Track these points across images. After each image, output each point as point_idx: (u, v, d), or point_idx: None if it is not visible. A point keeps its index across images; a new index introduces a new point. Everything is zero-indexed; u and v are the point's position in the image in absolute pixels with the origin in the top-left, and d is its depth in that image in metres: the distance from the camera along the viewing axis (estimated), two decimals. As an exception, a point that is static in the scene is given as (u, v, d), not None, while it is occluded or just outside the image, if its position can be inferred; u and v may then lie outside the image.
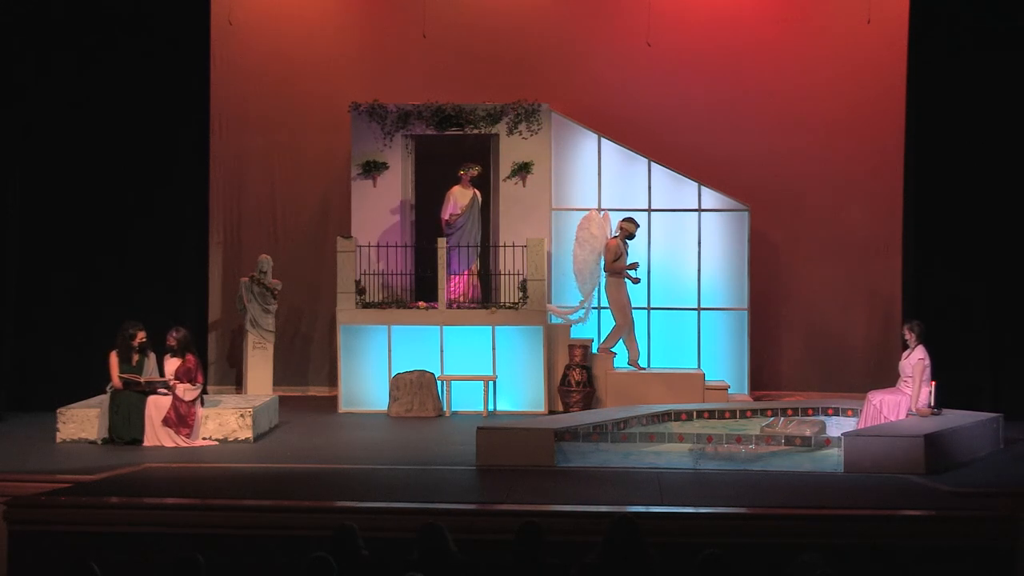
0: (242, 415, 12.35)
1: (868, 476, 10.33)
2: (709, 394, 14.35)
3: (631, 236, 14.82)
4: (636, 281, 14.83)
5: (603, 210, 15.17)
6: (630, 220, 14.86)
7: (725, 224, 15.35)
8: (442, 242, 14.63)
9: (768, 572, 7.93)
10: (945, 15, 14.31)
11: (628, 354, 14.88)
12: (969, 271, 14.22)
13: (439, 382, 14.47)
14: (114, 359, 12.38)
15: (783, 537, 8.50)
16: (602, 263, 14.79)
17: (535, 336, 14.63)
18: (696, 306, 15.33)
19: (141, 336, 12.47)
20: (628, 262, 14.78)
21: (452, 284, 14.79)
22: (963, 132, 14.26)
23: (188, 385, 12.25)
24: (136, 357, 12.42)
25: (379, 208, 15.15)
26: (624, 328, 14.78)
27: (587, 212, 15.01)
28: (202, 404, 12.43)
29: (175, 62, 15.08)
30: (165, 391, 12.25)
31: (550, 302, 14.98)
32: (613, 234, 14.84)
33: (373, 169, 15.11)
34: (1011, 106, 14.11)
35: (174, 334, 12.44)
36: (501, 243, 14.92)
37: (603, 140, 15.37)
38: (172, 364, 12.37)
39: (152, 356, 12.61)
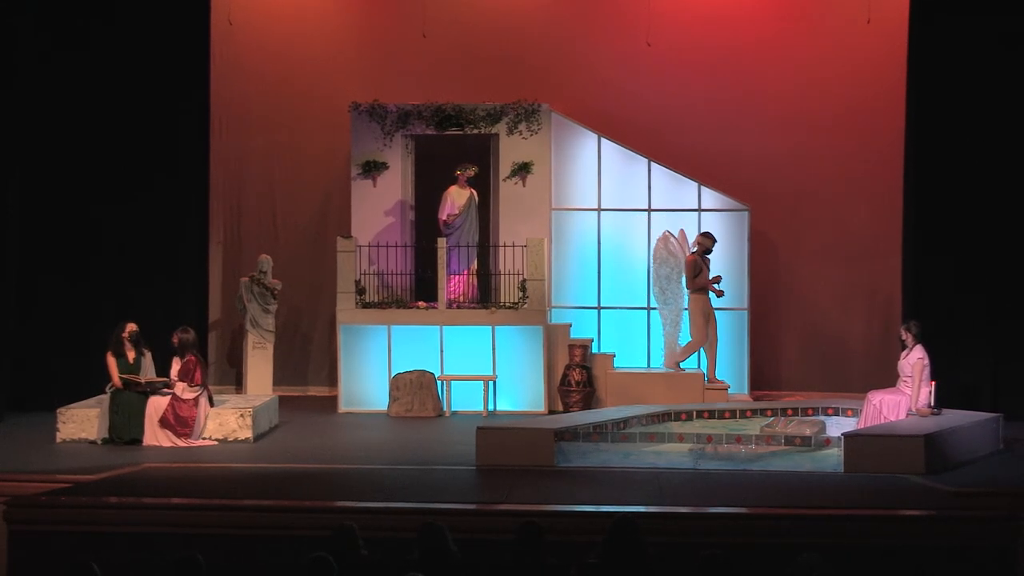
0: (242, 415, 12.35)
1: (868, 476, 10.32)
2: (709, 394, 14.35)
3: (708, 251, 14.70)
4: (720, 294, 14.69)
5: (668, 230, 15.02)
6: (707, 235, 14.76)
7: (725, 224, 15.34)
8: (442, 242, 14.63)
9: (768, 572, 7.93)
10: (945, 15, 14.30)
11: (686, 350, 14.81)
12: (969, 271, 14.20)
13: (439, 382, 14.47)
14: (111, 359, 12.40)
15: (783, 537, 8.51)
16: (683, 280, 14.74)
17: (535, 336, 14.63)
18: (696, 306, 15.32)
19: (130, 328, 12.49)
20: (711, 276, 14.69)
21: (451, 284, 14.79)
22: (963, 132, 14.24)
23: (186, 385, 12.25)
24: (132, 354, 12.43)
25: (379, 208, 15.15)
26: (699, 344, 14.68)
27: (662, 232, 14.95)
28: (211, 404, 12.44)
29: (175, 62, 15.06)
30: (168, 391, 12.25)
31: (550, 302, 14.98)
32: (691, 250, 14.79)
33: (373, 169, 15.11)
34: (1011, 106, 14.10)
35: (179, 334, 12.45)
36: (501, 243, 14.92)
37: (603, 140, 15.37)
38: (176, 364, 12.38)
39: (148, 354, 12.62)
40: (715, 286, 14.67)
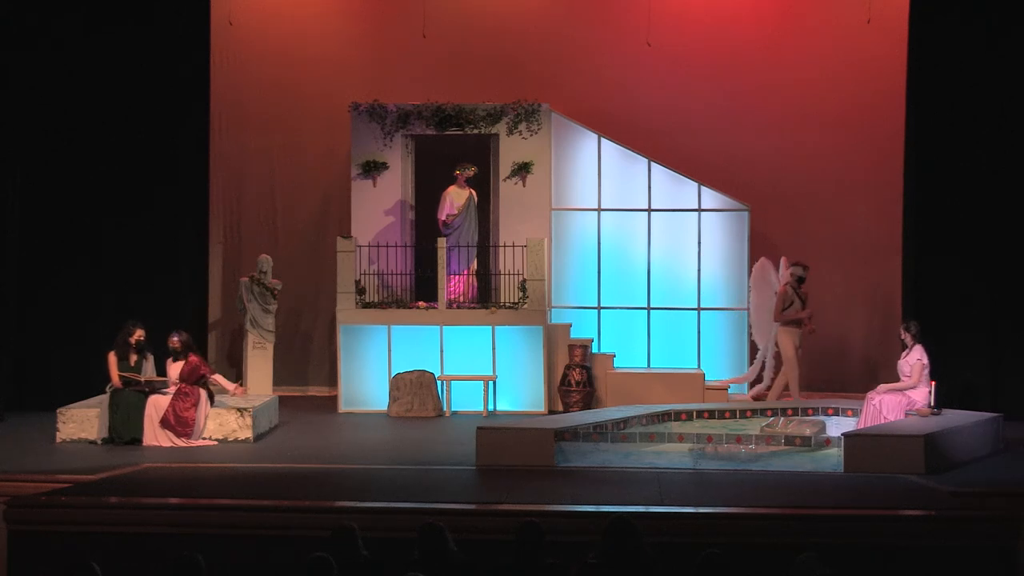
0: (242, 415, 12.35)
1: (868, 476, 10.32)
2: (709, 394, 14.35)
3: (801, 280, 14.29)
4: (811, 331, 14.34)
5: (765, 257, 14.84)
6: (797, 264, 14.36)
7: (725, 224, 15.35)
8: (442, 242, 14.63)
9: (768, 572, 7.93)
10: (945, 15, 14.31)
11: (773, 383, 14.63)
12: (969, 271, 14.21)
13: (439, 382, 14.47)
14: (112, 358, 12.40)
15: (783, 537, 8.50)
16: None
17: (535, 336, 14.63)
18: (696, 306, 15.33)
19: (139, 334, 12.47)
20: (801, 309, 14.25)
21: (451, 284, 14.79)
22: (963, 131, 14.25)
23: (220, 377, 12.61)
24: (134, 357, 12.43)
25: (379, 208, 15.15)
26: (795, 380, 14.30)
27: (760, 259, 14.79)
28: (211, 404, 12.43)
29: (175, 62, 15.06)
30: (167, 391, 12.25)
31: (550, 302, 14.98)
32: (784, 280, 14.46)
33: (373, 169, 15.11)
34: (1011, 105, 14.10)
35: (176, 337, 12.45)
36: (501, 243, 14.92)
37: (603, 140, 15.37)
38: (175, 368, 12.38)
39: (151, 359, 12.61)
40: (807, 322, 14.24)
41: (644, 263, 15.38)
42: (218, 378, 12.60)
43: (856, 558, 8.39)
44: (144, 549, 8.61)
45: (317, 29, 16.29)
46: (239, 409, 12.38)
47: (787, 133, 15.85)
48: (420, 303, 14.81)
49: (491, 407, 14.55)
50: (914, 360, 11.94)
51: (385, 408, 14.43)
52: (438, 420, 14.08)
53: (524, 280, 14.62)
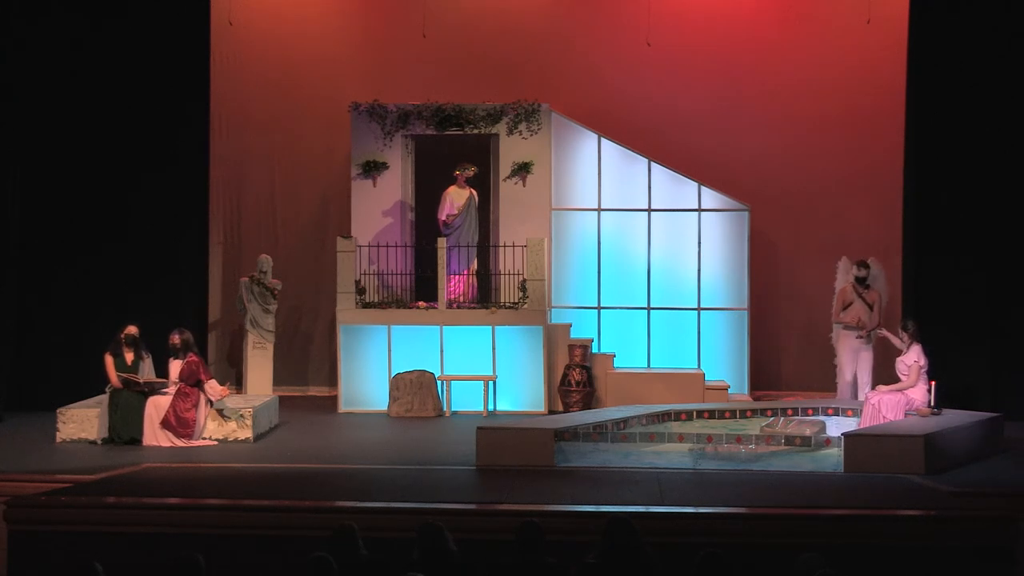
0: (242, 415, 12.35)
1: (868, 476, 10.33)
2: (709, 394, 14.36)
3: (860, 280, 13.74)
4: (860, 337, 13.67)
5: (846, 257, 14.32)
6: (856, 263, 13.84)
7: (725, 224, 15.35)
8: (442, 242, 14.63)
9: (768, 572, 7.93)
10: (945, 15, 14.32)
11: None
12: (969, 271, 14.22)
13: (439, 382, 14.47)
14: (108, 360, 12.39)
15: (783, 537, 8.50)
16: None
17: (535, 336, 14.63)
18: (696, 306, 15.33)
19: (130, 330, 12.48)
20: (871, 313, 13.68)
21: (451, 284, 14.79)
22: (963, 131, 14.26)
23: (214, 383, 12.40)
24: (130, 356, 12.42)
25: (379, 208, 15.16)
26: (845, 385, 13.88)
27: (842, 257, 14.24)
28: (211, 404, 12.43)
29: (175, 62, 15.06)
30: (167, 391, 12.25)
31: (550, 302, 14.98)
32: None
33: (373, 169, 15.11)
34: (1011, 105, 14.10)
35: (177, 335, 12.46)
36: (501, 243, 14.92)
37: (603, 140, 15.37)
38: (175, 366, 12.38)
39: (148, 359, 12.59)
40: (858, 328, 13.61)
41: (644, 263, 15.38)
42: (209, 386, 12.42)
43: (856, 558, 8.38)
44: (144, 549, 8.61)
45: (317, 29, 16.30)
46: (239, 409, 12.39)
47: (787, 133, 15.86)
48: (420, 303, 14.81)
49: (491, 407, 14.55)
50: (911, 361, 11.96)
51: (385, 408, 14.43)
52: (438, 420, 14.08)
53: (524, 280, 14.63)
